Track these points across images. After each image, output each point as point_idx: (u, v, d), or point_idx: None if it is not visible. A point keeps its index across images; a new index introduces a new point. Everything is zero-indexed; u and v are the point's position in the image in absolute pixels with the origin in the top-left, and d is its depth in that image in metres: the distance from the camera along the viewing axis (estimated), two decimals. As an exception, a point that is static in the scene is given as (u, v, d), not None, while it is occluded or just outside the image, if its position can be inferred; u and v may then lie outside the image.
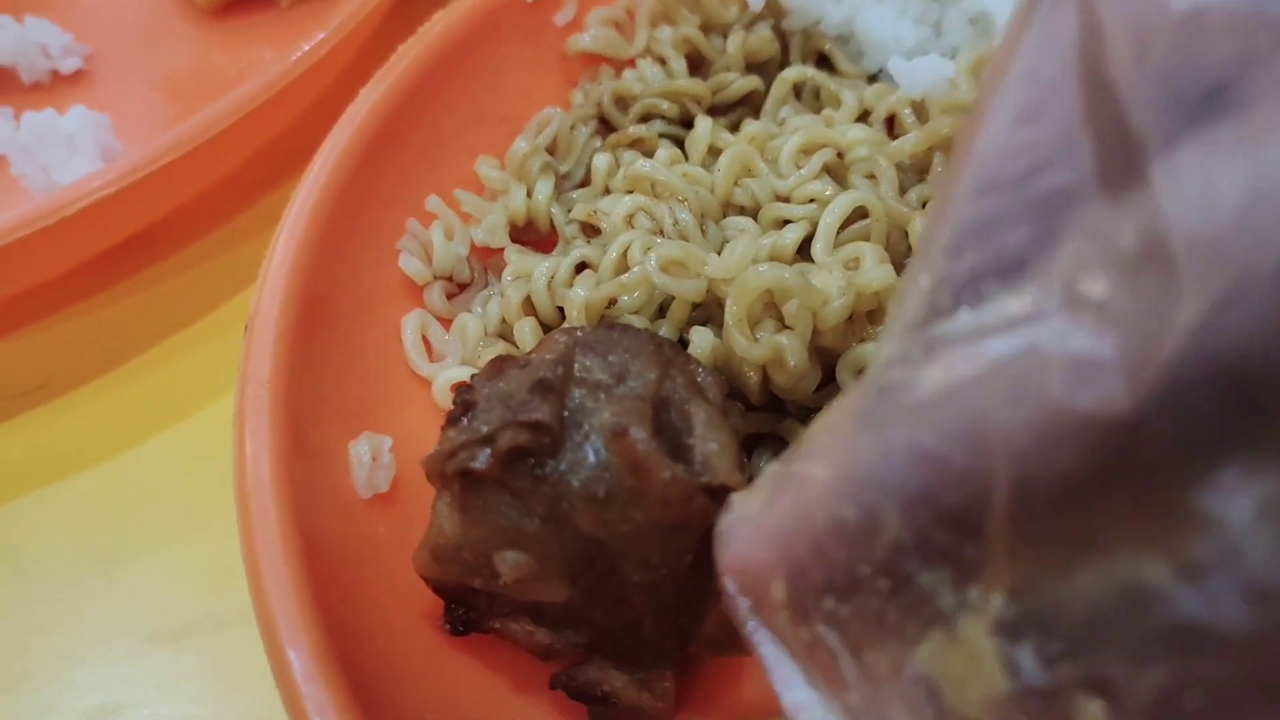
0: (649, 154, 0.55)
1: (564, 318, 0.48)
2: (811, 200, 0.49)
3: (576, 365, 0.39)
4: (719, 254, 0.48)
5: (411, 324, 0.49)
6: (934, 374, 0.21)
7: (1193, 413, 0.17)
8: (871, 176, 0.49)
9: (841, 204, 0.47)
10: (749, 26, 0.59)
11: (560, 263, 0.49)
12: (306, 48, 0.57)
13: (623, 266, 0.48)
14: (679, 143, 0.55)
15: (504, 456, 0.33)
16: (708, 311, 0.47)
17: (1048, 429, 0.19)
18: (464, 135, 0.55)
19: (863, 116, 0.54)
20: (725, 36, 0.59)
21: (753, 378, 0.44)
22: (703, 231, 0.49)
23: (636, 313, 0.47)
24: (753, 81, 0.57)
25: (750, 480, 0.33)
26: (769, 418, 0.45)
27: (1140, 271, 0.18)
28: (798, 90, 0.57)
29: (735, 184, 0.51)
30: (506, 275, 0.50)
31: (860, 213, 0.48)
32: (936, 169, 0.49)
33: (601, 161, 0.53)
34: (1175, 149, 0.19)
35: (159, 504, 0.49)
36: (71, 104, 0.64)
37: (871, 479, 0.22)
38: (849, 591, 0.22)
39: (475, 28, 0.56)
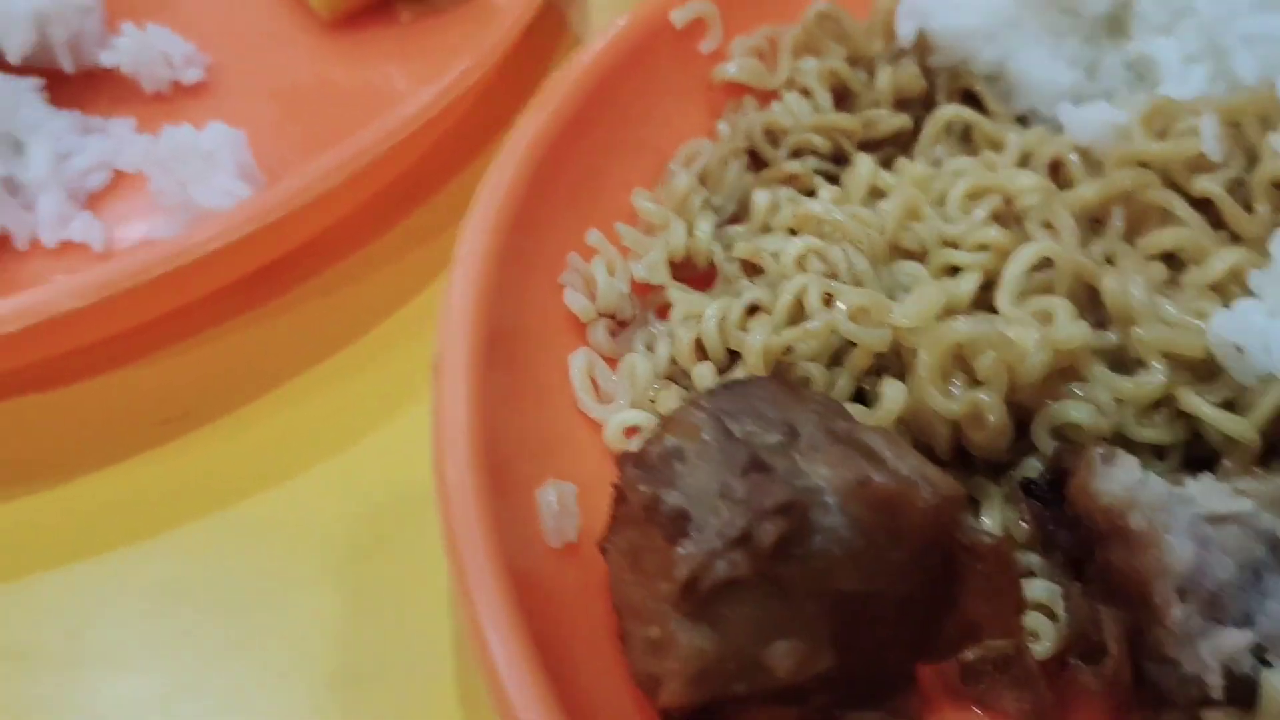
0: (804, 190, 0.54)
1: (734, 360, 0.48)
2: (983, 247, 0.49)
3: (737, 431, 0.39)
4: (892, 299, 0.48)
5: (579, 363, 0.48)
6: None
7: None
8: (1048, 225, 0.49)
9: (1027, 255, 0.46)
10: (894, 60, 0.59)
11: (731, 305, 0.48)
12: (458, 72, 0.56)
13: (796, 310, 0.47)
14: (830, 178, 0.55)
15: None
16: (883, 359, 0.46)
17: None
18: (616, 166, 0.54)
19: (1021, 160, 0.53)
20: (868, 69, 0.59)
21: (944, 432, 0.44)
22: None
23: (813, 359, 0.46)
24: (904, 120, 0.56)
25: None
26: (956, 474, 0.44)
27: None
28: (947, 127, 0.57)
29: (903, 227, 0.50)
30: (675, 315, 0.49)
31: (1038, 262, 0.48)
32: (1115, 223, 0.48)
33: (762, 199, 0.53)
34: None
35: (316, 537, 0.48)
36: (192, 114, 0.63)
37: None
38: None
39: (627, 55, 0.55)
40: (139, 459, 0.51)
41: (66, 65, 0.63)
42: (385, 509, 0.49)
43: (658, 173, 0.56)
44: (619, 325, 0.51)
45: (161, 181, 0.56)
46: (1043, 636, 0.40)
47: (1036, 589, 0.41)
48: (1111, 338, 0.44)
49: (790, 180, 0.54)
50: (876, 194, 0.53)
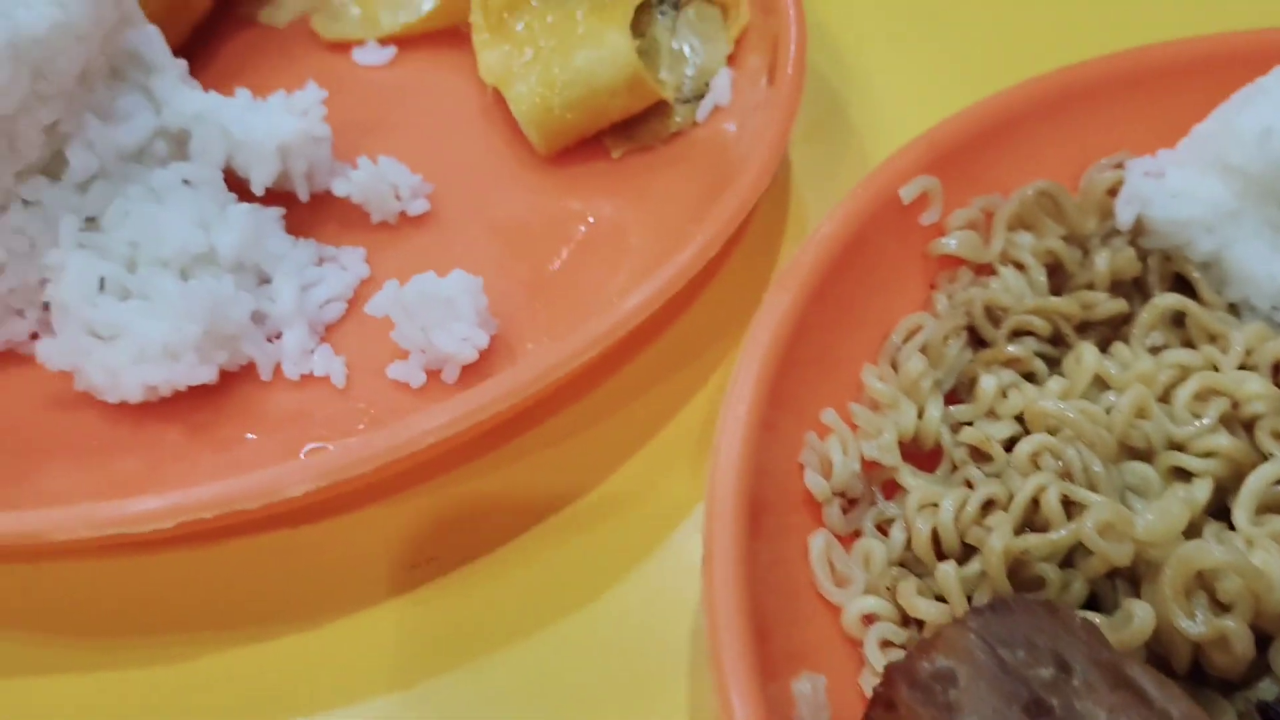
0: (1025, 374, 0.56)
1: (969, 552, 0.50)
2: (1212, 454, 0.50)
3: (1009, 659, 0.41)
4: (1123, 500, 0.49)
5: (818, 545, 0.51)
6: None
7: None
8: (1278, 437, 0.50)
9: (1266, 474, 0.48)
10: (1108, 240, 0.61)
11: (968, 498, 0.50)
12: (697, 244, 0.58)
13: (1032, 509, 0.49)
14: (1048, 359, 0.57)
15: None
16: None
17: None
18: (844, 340, 0.57)
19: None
20: (1081, 246, 0.61)
21: (1185, 652, 0.46)
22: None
23: (1048, 559, 0.48)
24: (1121, 305, 0.58)
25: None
26: (1188, 687, 0.46)
27: None
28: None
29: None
30: (910, 503, 0.51)
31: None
32: (1352, 444, 0.49)
33: (989, 385, 0.54)
34: None
35: (568, 691, 0.51)
36: (418, 243, 0.67)
37: None
38: None
39: (857, 231, 0.58)
40: (387, 605, 0.54)
41: (302, 194, 0.66)
42: (638, 661, 0.52)
43: (878, 344, 0.58)
44: (849, 503, 0.53)
45: (405, 326, 0.59)
46: None
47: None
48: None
49: (1011, 363, 0.56)
50: (1099, 383, 0.54)
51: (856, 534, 0.52)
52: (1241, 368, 0.53)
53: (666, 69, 0.73)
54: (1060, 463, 0.50)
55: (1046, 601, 0.43)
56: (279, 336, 0.62)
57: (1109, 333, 0.58)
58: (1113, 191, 0.62)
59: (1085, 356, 0.54)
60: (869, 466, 0.54)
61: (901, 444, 0.54)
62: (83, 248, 0.59)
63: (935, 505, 0.51)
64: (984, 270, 0.61)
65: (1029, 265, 0.59)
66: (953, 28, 0.82)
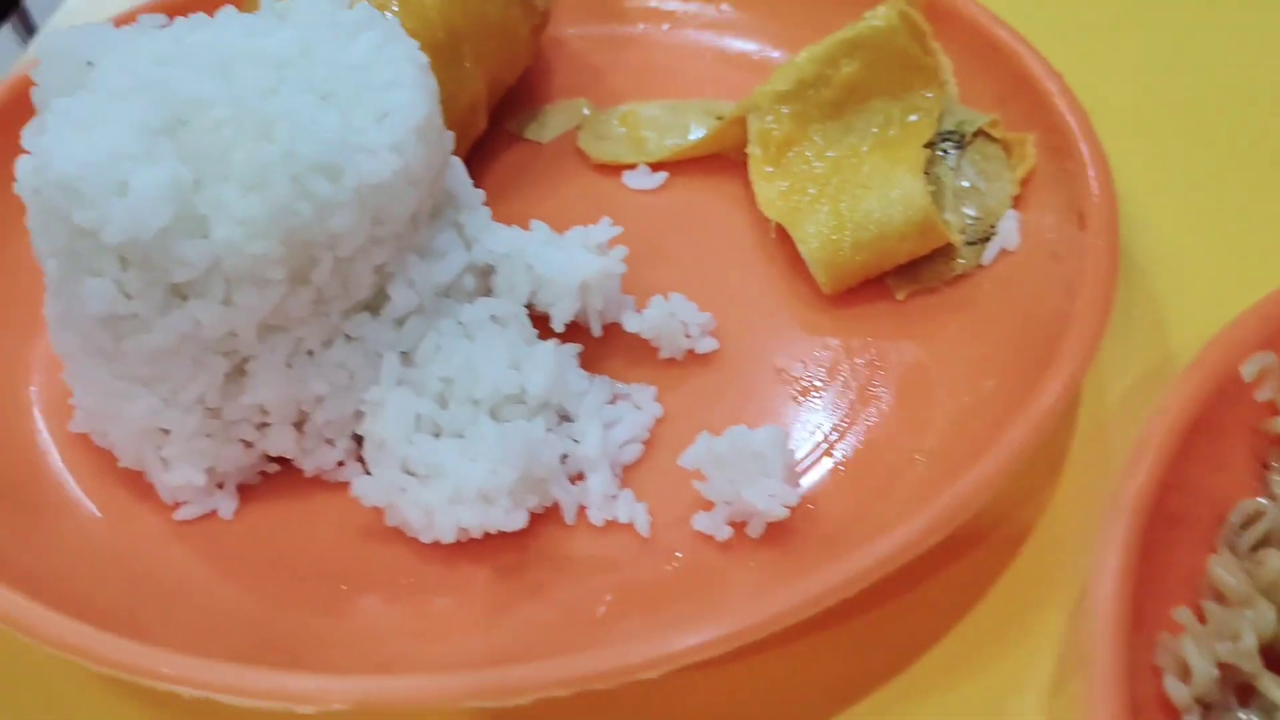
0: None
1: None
2: None
3: None
4: None
5: (1184, 756, 0.48)
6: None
7: None
8: None
9: None
10: None
11: (1345, 718, 0.48)
12: (1038, 412, 0.56)
13: None
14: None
15: None
16: None
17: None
18: (1184, 528, 0.54)
19: None
20: None
21: None
22: None
23: None
24: None
25: None
26: None
27: None
28: None
29: None
30: (1281, 718, 0.49)
31: None
32: None
33: (1354, 587, 0.52)
34: None
35: None
36: (704, 382, 0.67)
37: None
38: None
39: (1200, 412, 0.55)
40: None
41: (595, 330, 0.67)
42: None
43: (1215, 527, 0.56)
44: (1205, 709, 0.51)
45: (716, 479, 0.59)
46: None
47: None
48: None
49: (1367, 561, 0.53)
50: None
51: (1213, 743, 0.50)
52: None
53: (950, 210, 0.71)
54: None
55: None
56: (580, 478, 0.62)
57: None
58: None
59: None
60: (1222, 668, 0.51)
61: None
62: (401, 384, 0.60)
63: (1308, 722, 0.48)
64: (1319, 451, 0.58)
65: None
66: (1257, 197, 0.78)
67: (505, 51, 0.78)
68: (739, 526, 0.60)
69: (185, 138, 0.55)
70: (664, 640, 0.50)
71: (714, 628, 0.50)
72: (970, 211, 0.72)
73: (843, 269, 0.69)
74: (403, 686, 0.50)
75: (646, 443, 0.64)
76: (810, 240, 0.69)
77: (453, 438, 0.60)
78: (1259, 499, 0.56)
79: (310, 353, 0.59)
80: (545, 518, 0.61)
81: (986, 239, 0.71)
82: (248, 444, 0.62)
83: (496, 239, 0.64)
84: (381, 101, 0.58)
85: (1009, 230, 0.70)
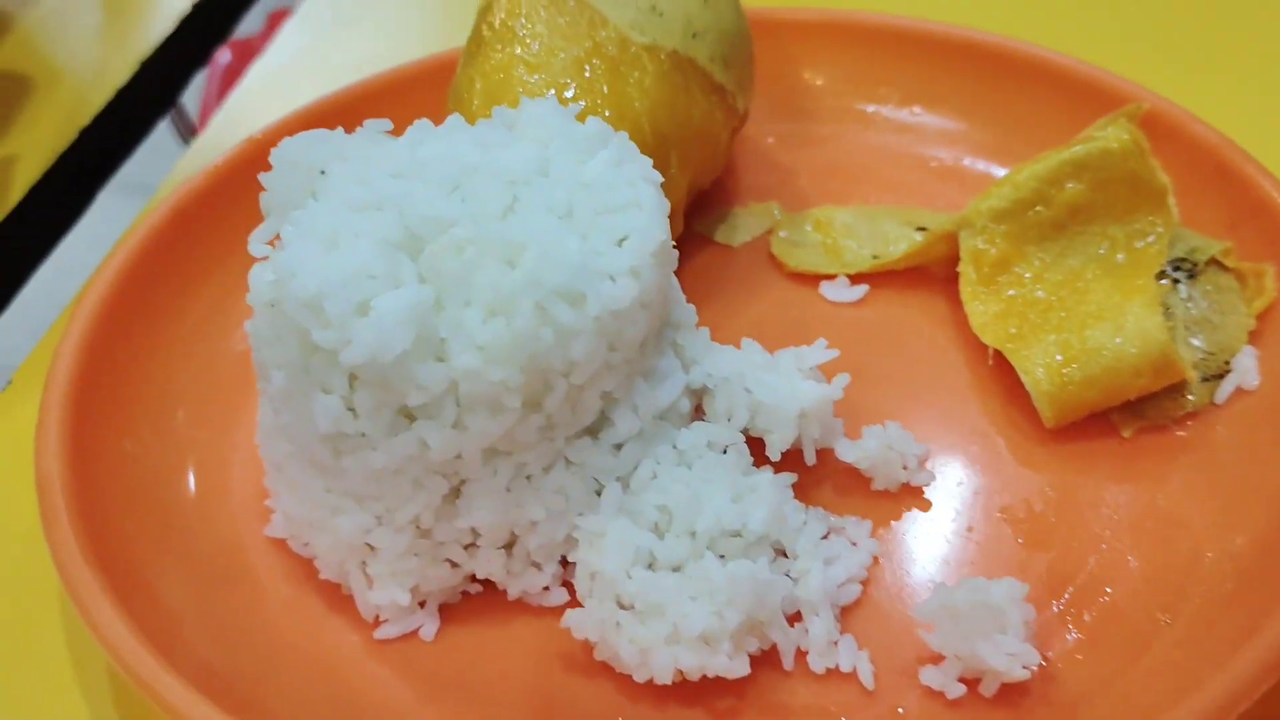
0: None
1: None
2: None
3: None
4: None
5: None
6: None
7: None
8: None
9: None
10: None
11: None
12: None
13: None
14: None
15: None
16: None
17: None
18: None
19: None
20: None
21: None
22: None
23: None
24: None
25: None
26: None
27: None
28: None
29: None
30: None
31: None
32: None
33: None
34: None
35: None
36: (922, 520, 0.63)
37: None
38: None
39: None
40: None
41: (809, 459, 0.64)
42: None
43: None
44: None
45: (948, 631, 0.55)
46: None
47: None
48: None
49: None
50: None
51: None
52: None
53: (1180, 342, 0.68)
54: None
55: None
56: (797, 618, 0.59)
57: None
58: None
59: None
60: None
61: None
62: (621, 514, 0.58)
63: None
64: None
65: None
66: None
67: (706, 156, 0.76)
68: (970, 683, 0.56)
69: (426, 258, 0.54)
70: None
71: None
72: (1201, 344, 0.68)
73: (1070, 403, 0.65)
74: None
75: (864, 583, 0.61)
76: (1035, 371, 0.66)
77: (668, 571, 0.57)
78: None
79: (529, 477, 0.57)
80: (761, 660, 0.58)
81: (1220, 375, 0.67)
82: (454, 564, 0.60)
83: (715, 361, 0.62)
84: (620, 224, 0.57)
85: (1247, 367, 0.66)
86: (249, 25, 1.48)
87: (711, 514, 0.57)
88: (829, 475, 0.66)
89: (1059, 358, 0.65)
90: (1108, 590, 0.59)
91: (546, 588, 0.60)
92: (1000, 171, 0.82)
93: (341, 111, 0.82)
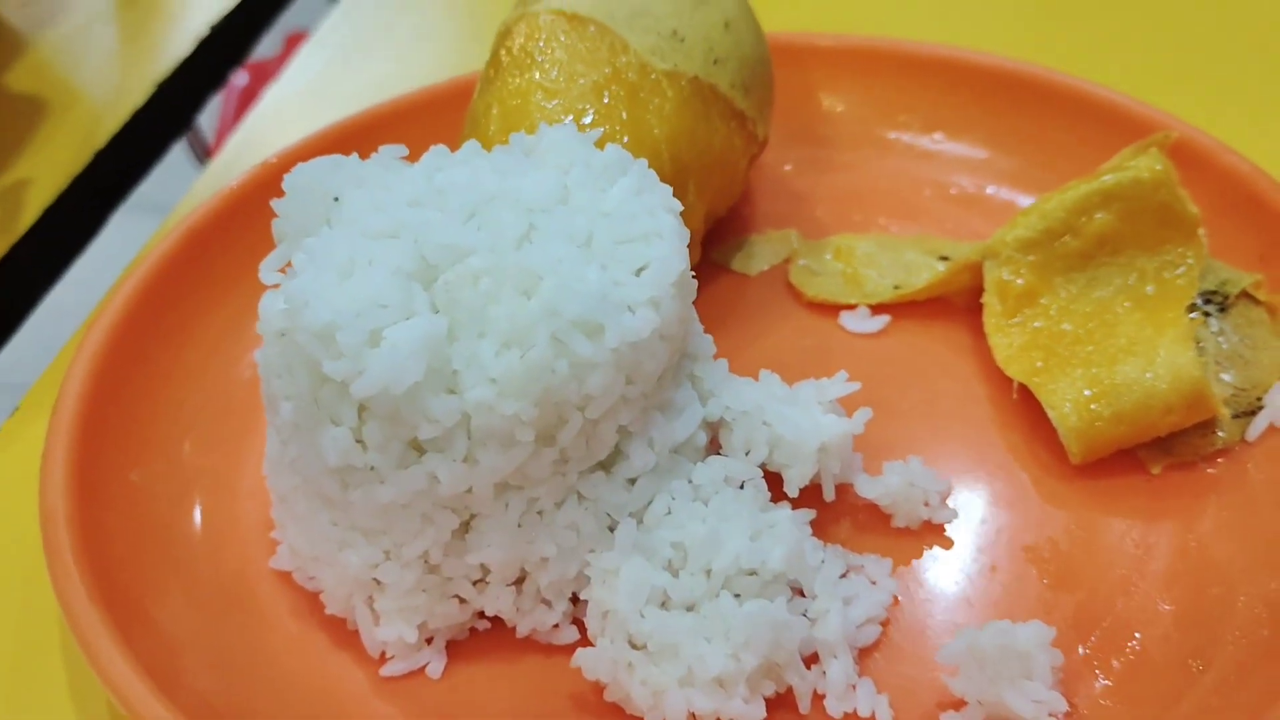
0: None
1: None
2: None
3: None
4: None
5: None
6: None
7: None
8: None
9: None
10: None
11: None
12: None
13: None
14: None
15: None
16: None
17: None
18: None
19: None
20: None
21: None
22: None
23: None
24: None
25: None
26: None
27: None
28: None
29: None
30: None
31: None
32: None
33: None
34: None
35: None
36: (943, 559, 0.62)
37: None
38: None
39: None
40: None
41: (828, 494, 0.62)
42: None
43: None
44: None
45: (973, 675, 0.54)
46: None
47: None
48: None
49: None
50: None
51: None
52: None
53: (1212, 378, 0.66)
54: None
55: None
56: (814, 660, 0.57)
57: None
58: None
59: None
60: None
61: None
62: (634, 551, 0.56)
63: None
64: None
65: None
66: None
67: (724, 183, 0.75)
68: (995, 731, 0.54)
69: (440, 287, 0.53)
70: None
71: None
72: (1232, 380, 0.66)
73: (1097, 439, 0.63)
74: None
75: (884, 623, 0.59)
76: (1063, 406, 0.64)
77: (682, 610, 0.56)
78: None
79: (540, 512, 0.56)
80: (776, 704, 0.56)
81: (1252, 412, 0.65)
82: (462, 600, 0.58)
83: (733, 394, 0.61)
84: (640, 253, 0.55)
85: (1279, 404, 0.65)
86: (266, 48, 1.48)
87: (729, 552, 0.56)
88: (847, 511, 0.64)
89: (1088, 393, 0.63)
90: (1136, 635, 0.57)
91: (556, 625, 0.59)
92: (1023, 200, 0.81)
93: (356, 136, 0.81)
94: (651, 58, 0.71)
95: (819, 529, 0.62)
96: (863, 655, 0.58)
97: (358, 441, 0.53)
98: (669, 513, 0.58)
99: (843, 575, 0.60)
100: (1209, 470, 0.64)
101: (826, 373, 0.65)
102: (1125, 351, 0.65)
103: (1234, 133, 0.77)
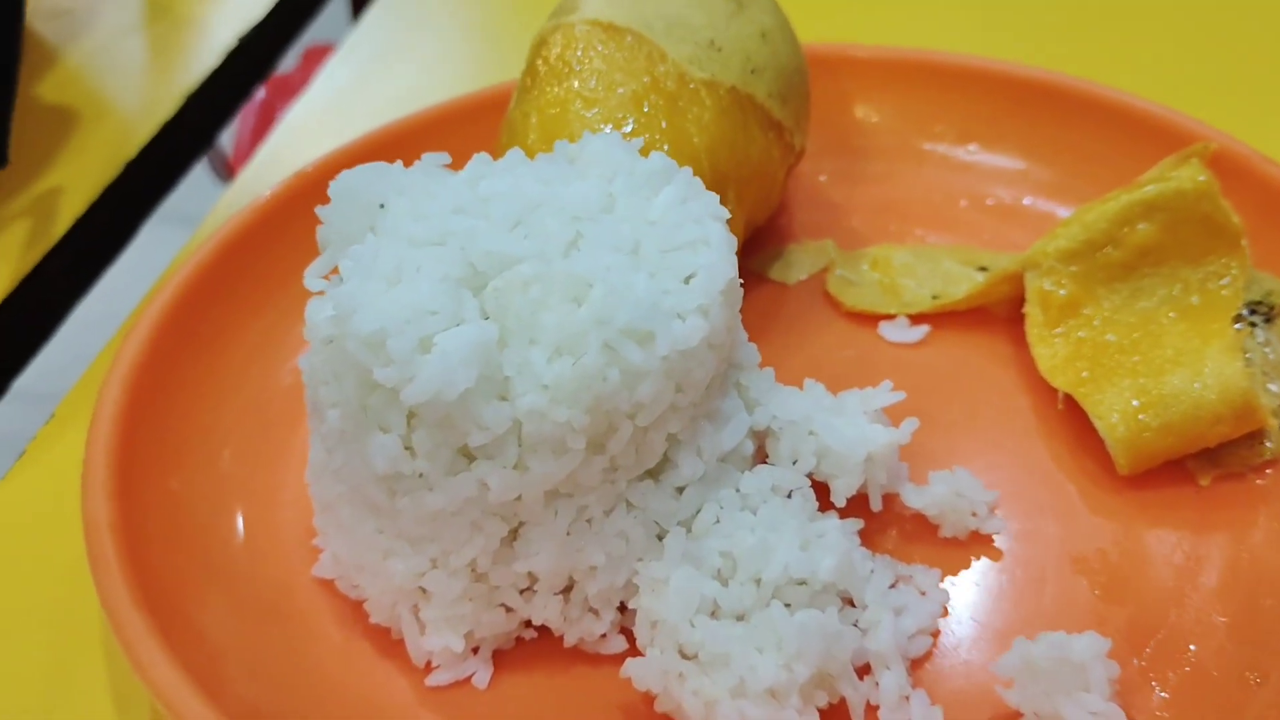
0: None
1: None
2: None
3: None
4: None
5: None
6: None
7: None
8: None
9: None
10: None
11: None
12: None
13: None
14: None
15: None
16: None
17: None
18: None
19: None
20: None
21: None
22: None
23: None
24: None
25: None
26: None
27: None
28: None
29: None
30: None
31: None
32: None
33: None
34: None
35: None
36: (992, 570, 0.61)
37: None
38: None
39: None
40: None
41: (875, 505, 0.62)
42: None
43: None
44: None
45: (1028, 687, 0.53)
46: None
47: None
48: None
49: None
50: None
51: None
52: None
53: (1259, 388, 0.65)
54: None
55: None
56: (866, 671, 0.56)
57: None
58: None
59: None
60: None
61: None
62: (684, 560, 0.56)
63: None
64: None
65: None
66: None
67: (763, 193, 0.75)
68: (1051, 744, 0.54)
69: (490, 294, 0.52)
70: None
71: None
72: (1278, 390, 0.66)
73: (1145, 451, 0.63)
74: None
75: (934, 634, 0.58)
76: (1110, 416, 0.63)
77: (732, 620, 0.55)
78: None
79: (589, 520, 0.56)
80: (828, 714, 0.55)
81: (1300, 422, 0.65)
82: (509, 609, 0.58)
83: (780, 403, 0.60)
84: (688, 261, 0.55)
85: (1327, 415, 0.64)
86: (284, 62, 1.48)
87: (779, 562, 0.55)
88: (894, 521, 0.64)
89: (1136, 403, 0.63)
90: (1192, 647, 0.56)
91: (604, 635, 0.58)
92: (1061, 211, 0.80)
93: (391, 146, 0.81)
94: (689, 67, 0.71)
95: (866, 539, 0.61)
96: (914, 666, 0.57)
97: (406, 448, 0.53)
98: (718, 522, 0.57)
99: (892, 585, 0.60)
100: (1258, 481, 0.64)
101: (869, 382, 0.65)
102: (1172, 362, 0.64)
103: (1272, 142, 0.77)
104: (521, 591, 0.57)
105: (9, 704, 0.60)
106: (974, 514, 0.62)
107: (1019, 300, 0.72)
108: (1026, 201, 0.83)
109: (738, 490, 0.59)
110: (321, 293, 0.57)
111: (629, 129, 0.69)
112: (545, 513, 0.54)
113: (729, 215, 0.58)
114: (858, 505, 0.62)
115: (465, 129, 0.83)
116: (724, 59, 0.72)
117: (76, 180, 0.94)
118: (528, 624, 0.59)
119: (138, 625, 0.55)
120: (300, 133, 1.03)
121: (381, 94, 1.05)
